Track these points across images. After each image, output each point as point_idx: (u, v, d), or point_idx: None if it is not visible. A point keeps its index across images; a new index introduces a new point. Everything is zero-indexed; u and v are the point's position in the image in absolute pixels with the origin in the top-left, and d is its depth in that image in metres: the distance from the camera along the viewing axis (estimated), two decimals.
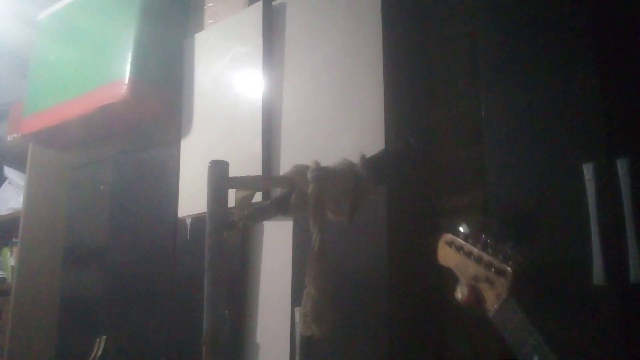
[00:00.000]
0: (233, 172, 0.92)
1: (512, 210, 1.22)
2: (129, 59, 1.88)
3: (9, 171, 2.81)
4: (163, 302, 1.85)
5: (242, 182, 0.94)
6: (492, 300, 0.91)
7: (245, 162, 1.65)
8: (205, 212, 0.90)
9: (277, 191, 1.00)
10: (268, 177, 1.56)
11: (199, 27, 2.00)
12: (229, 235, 0.90)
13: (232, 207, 0.92)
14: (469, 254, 0.96)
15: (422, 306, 1.33)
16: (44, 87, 2.20)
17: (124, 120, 2.04)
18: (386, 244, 1.31)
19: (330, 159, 0.96)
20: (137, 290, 1.96)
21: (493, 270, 0.91)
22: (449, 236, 1.01)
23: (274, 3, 1.75)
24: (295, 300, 1.45)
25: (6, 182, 2.84)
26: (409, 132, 1.37)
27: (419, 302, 1.33)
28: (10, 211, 2.67)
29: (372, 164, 0.89)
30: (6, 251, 2.73)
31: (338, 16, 1.55)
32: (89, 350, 1.98)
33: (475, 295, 0.93)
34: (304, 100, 1.61)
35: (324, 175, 0.89)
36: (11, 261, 2.65)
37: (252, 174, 1.00)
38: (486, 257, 0.94)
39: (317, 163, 0.92)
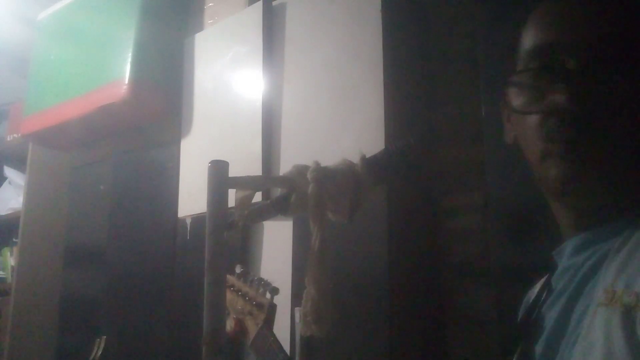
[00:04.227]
0: (233, 172, 0.92)
1: (512, 210, 1.22)
2: (129, 59, 1.88)
3: (9, 171, 2.80)
4: (163, 302, 1.85)
5: (242, 182, 0.94)
6: (252, 330, 1.06)
7: (245, 162, 1.65)
8: (205, 212, 0.90)
9: (277, 191, 1.00)
10: (268, 177, 1.55)
11: (199, 27, 2.00)
12: (229, 235, 0.90)
13: (232, 207, 0.92)
14: (238, 291, 1.11)
15: (422, 306, 1.33)
16: (44, 87, 2.20)
17: (124, 120, 2.04)
18: (386, 244, 1.31)
19: (330, 159, 0.96)
20: (137, 290, 1.96)
21: (254, 304, 1.07)
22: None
23: (274, 3, 1.75)
24: (295, 300, 1.45)
25: (6, 182, 2.84)
26: (409, 132, 1.37)
27: (419, 302, 1.33)
28: (10, 211, 2.67)
29: (372, 164, 0.89)
30: (6, 251, 2.73)
31: (338, 16, 1.55)
32: (89, 350, 1.98)
33: (240, 327, 1.08)
34: (304, 100, 1.61)
35: (324, 175, 0.89)
36: (11, 261, 2.64)
37: (252, 174, 0.99)
38: (250, 293, 1.09)
39: (317, 163, 0.92)
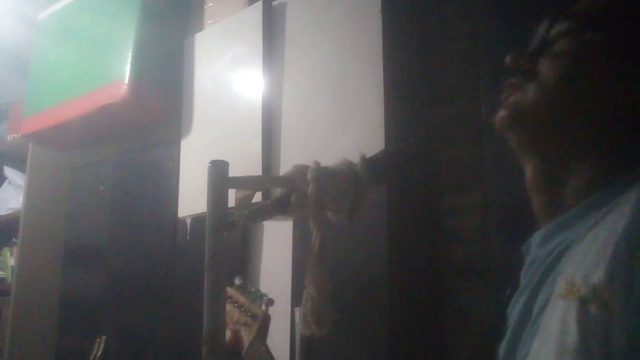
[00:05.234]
0: (233, 172, 0.92)
1: (512, 210, 1.22)
2: (129, 59, 1.88)
3: (9, 171, 2.80)
4: (163, 302, 1.85)
5: (242, 182, 0.94)
6: (247, 340, 1.08)
7: (245, 162, 1.65)
8: (205, 212, 0.90)
9: (277, 191, 1.00)
10: (268, 177, 1.55)
11: (199, 27, 2.00)
12: (229, 235, 0.90)
13: (232, 207, 0.92)
14: (235, 303, 1.13)
15: (422, 306, 1.33)
16: (44, 87, 2.20)
17: (124, 120, 2.04)
18: (386, 244, 1.31)
19: (330, 159, 0.96)
20: (137, 290, 1.96)
21: (249, 315, 1.09)
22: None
23: (274, 3, 1.75)
24: (295, 300, 1.45)
25: (6, 182, 2.84)
26: (409, 132, 1.37)
27: (419, 302, 1.33)
28: (10, 211, 2.67)
29: (372, 164, 0.89)
30: (6, 251, 2.73)
31: (338, 16, 1.55)
32: (89, 350, 1.98)
33: (236, 338, 1.09)
34: (304, 100, 1.61)
35: (324, 175, 0.89)
36: (11, 261, 2.64)
37: (252, 174, 0.99)
38: (247, 304, 1.11)
39: (317, 163, 0.92)
